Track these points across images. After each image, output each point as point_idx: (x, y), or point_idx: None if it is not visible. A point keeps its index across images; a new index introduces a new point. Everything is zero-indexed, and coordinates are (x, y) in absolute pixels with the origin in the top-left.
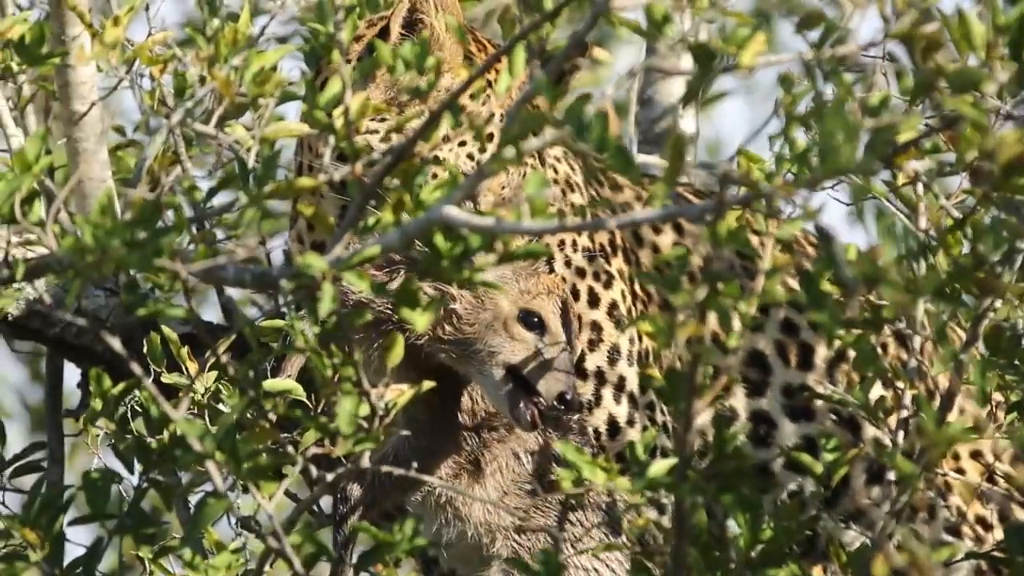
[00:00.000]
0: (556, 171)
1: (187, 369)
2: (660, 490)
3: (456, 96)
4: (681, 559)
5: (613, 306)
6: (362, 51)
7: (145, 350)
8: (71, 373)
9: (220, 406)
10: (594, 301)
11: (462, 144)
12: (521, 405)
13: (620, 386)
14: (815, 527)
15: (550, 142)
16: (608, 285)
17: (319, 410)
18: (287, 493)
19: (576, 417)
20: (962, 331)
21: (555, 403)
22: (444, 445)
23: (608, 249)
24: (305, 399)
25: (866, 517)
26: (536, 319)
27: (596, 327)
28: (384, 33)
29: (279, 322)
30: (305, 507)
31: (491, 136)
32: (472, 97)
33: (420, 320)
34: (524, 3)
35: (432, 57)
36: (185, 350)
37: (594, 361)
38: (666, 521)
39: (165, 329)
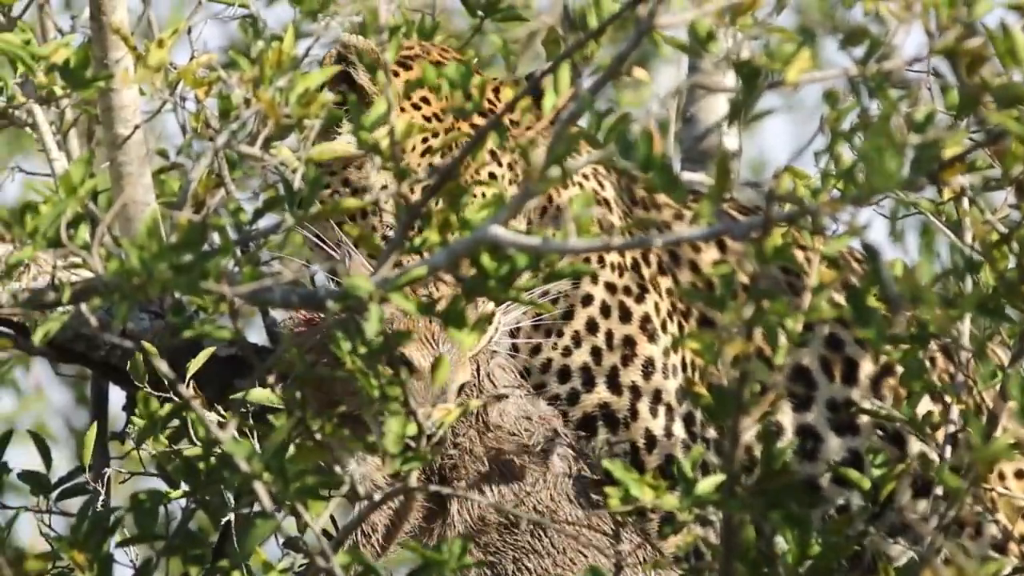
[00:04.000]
0: (582, 188)
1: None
2: (708, 507)
3: (501, 115)
4: (730, 575)
5: (646, 320)
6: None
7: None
8: (116, 396)
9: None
10: (625, 316)
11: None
12: None
13: (656, 399)
14: (862, 542)
15: (596, 160)
16: (640, 299)
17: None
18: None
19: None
20: (1002, 348)
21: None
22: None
23: (641, 262)
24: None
25: (912, 531)
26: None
27: (629, 342)
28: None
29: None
30: (354, 527)
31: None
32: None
33: (467, 339)
34: (568, 22)
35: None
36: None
37: (628, 376)
38: (711, 535)
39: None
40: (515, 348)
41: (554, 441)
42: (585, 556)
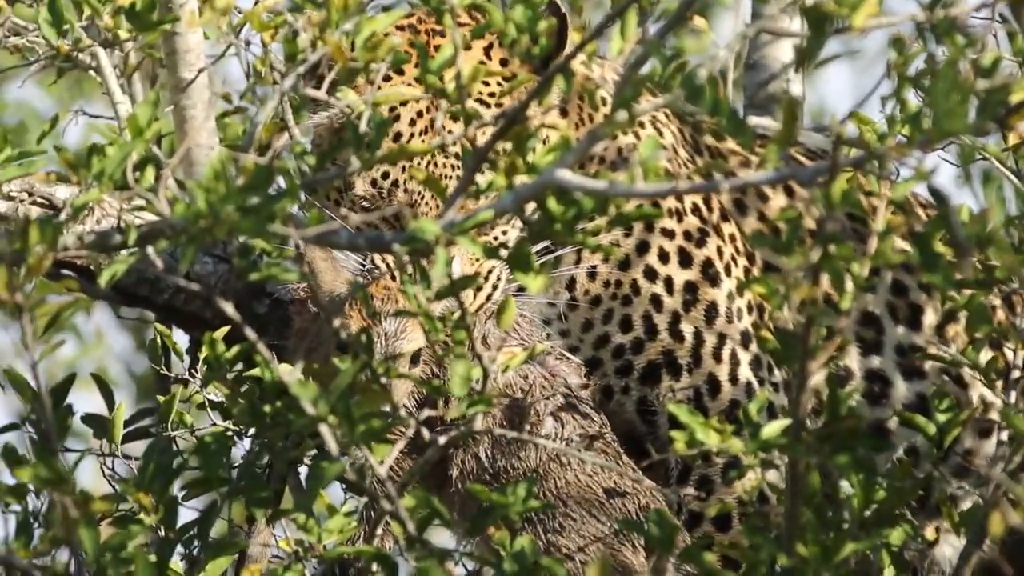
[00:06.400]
0: (638, 137)
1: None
2: (773, 451)
3: (568, 60)
4: (795, 519)
5: (707, 264)
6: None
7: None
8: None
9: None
10: (685, 261)
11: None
12: None
13: (720, 344)
14: (928, 486)
15: (662, 105)
16: (701, 244)
17: None
18: None
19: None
20: None
21: None
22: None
23: (702, 206)
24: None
25: (975, 475)
26: None
27: (690, 287)
28: None
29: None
30: (418, 470)
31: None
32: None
33: (534, 283)
34: None
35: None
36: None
37: (690, 322)
38: (772, 477)
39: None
40: (573, 300)
41: (551, 401)
42: (586, 518)
